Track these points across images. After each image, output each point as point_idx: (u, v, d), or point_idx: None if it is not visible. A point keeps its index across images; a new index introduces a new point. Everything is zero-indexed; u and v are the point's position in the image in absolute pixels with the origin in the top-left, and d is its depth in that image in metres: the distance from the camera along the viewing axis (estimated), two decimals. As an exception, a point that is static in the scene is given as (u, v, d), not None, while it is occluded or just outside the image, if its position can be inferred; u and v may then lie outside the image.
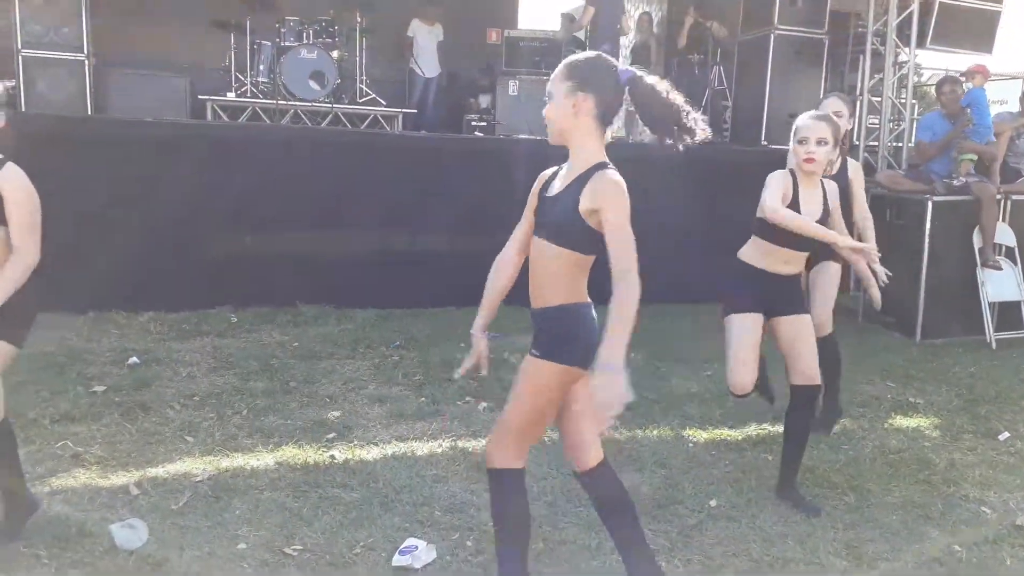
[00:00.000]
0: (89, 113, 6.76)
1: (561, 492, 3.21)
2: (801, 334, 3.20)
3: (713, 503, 3.19)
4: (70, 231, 4.94)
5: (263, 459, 3.40)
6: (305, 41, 7.77)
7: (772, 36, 7.53)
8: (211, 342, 5.07)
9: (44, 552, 2.61)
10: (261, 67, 7.80)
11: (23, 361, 4.38)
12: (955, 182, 5.98)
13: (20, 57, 6.68)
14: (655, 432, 3.93)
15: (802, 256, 3.27)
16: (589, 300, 2.22)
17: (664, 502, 3.18)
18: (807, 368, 3.19)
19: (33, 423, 3.65)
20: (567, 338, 2.17)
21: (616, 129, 8.64)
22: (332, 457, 3.46)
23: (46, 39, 6.76)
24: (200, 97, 7.41)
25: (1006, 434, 4.07)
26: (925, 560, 2.85)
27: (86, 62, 6.85)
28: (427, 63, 8.51)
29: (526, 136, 7.23)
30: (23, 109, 6.60)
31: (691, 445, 3.78)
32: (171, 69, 7.53)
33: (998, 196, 5.93)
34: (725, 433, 3.96)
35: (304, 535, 2.79)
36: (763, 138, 7.66)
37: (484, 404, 4.19)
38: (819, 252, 3.64)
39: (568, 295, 2.18)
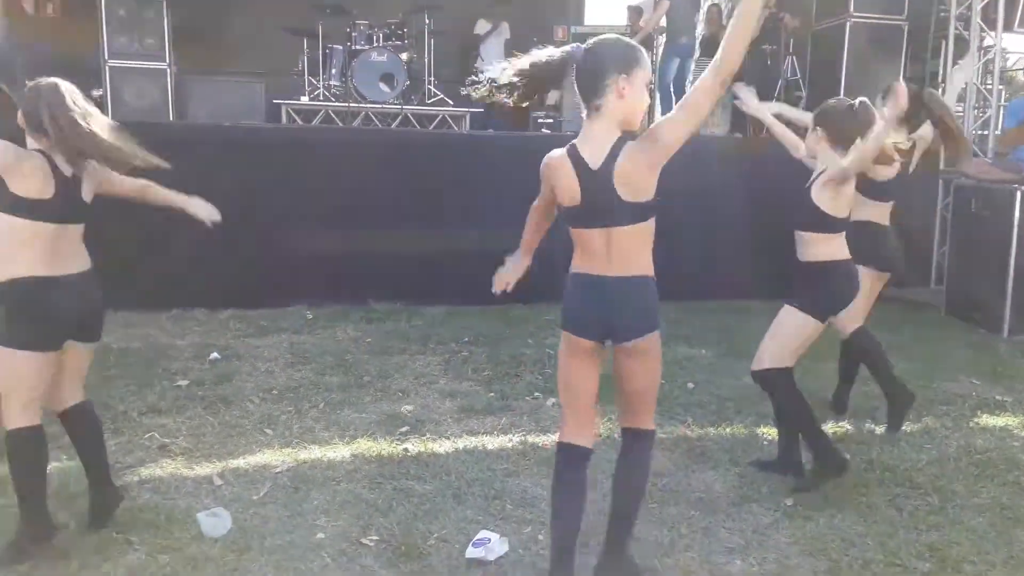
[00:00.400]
0: (171, 119, 7.05)
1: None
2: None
3: (789, 502, 3.12)
4: (156, 233, 5.18)
5: (339, 451, 3.50)
6: (375, 44, 7.91)
7: (848, 24, 7.30)
8: (288, 338, 5.22)
9: (135, 538, 2.73)
10: (333, 71, 7.98)
11: (113, 356, 4.66)
12: None
13: (107, 67, 7.02)
14: (728, 430, 3.86)
15: None
16: None
17: (738, 500, 3.13)
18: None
19: (123, 415, 3.83)
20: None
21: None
22: (405, 450, 3.53)
23: (131, 50, 7.09)
24: (275, 101, 7.62)
25: (1103, 435, 3.86)
26: (1014, 564, 2.73)
27: (168, 71, 7.16)
28: (494, 62, 8.55)
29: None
30: (110, 116, 6.93)
31: (766, 443, 3.70)
32: (247, 75, 7.78)
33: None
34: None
35: (380, 526, 2.85)
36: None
37: (553, 400, 4.20)
38: None
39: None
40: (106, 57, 7.01)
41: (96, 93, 7.19)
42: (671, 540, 2.81)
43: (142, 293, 5.44)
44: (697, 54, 8.57)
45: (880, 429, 3.90)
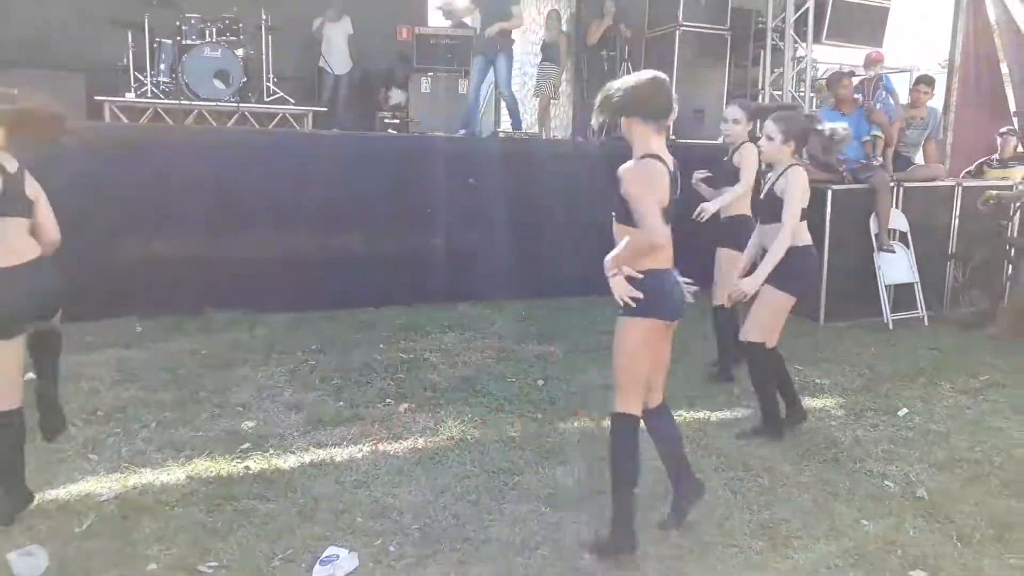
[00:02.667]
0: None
1: (485, 490, 3.19)
2: None
3: (635, 491, 3.22)
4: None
5: (174, 474, 3.27)
6: (208, 39, 7.50)
7: (677, 32, 7.72)
8: (115, 354, 4.84)
9: (-68, 588, 2.44)
10: (162, 66, 7.50)
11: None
12: (871, 163, 6.24)
13: None
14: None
15: None
16: None
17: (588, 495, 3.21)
18: None
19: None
20: None
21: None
22: (247, 468, 3.36)
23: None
24: (97, 98, 7.06)
25: (904, 410, 4.28)
26: (835, 534, 2.96)
27: (-33, 61, 6.45)
28: (337, 60, 8.33)
29: (442, 134, 7.20)
30: None
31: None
32: (64, 69, 7.14)
33: (891, 184, 6.23)
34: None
35: (219, 550, 2.69)
36: (671, 133, 7.83)
37: (405, 405, 4.14)
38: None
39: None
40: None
41: None
42: (522, 539, 2.82)
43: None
44: (539, 59, 8.76)
45: (714, 416, 4.13)
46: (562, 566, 2.70)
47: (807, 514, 3.11)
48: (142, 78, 7.45)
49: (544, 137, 8.49)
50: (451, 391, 4.40)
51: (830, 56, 9.49)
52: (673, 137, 7.79)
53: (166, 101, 7.28)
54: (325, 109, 8.12)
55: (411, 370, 4.75)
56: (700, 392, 4.47)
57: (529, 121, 9.34)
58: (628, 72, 8.46)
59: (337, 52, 8.37)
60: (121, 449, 3.50)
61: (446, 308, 6.20)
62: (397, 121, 8.04)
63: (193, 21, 7.57)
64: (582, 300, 6.24)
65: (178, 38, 7.48)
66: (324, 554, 2.62)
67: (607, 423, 2.81)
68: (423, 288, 6.41)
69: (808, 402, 4.38)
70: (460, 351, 5.17)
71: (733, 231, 4.46)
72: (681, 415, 4.12)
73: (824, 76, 8.31)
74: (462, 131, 7.23)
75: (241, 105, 7.40)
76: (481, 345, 5.32)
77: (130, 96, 7.33)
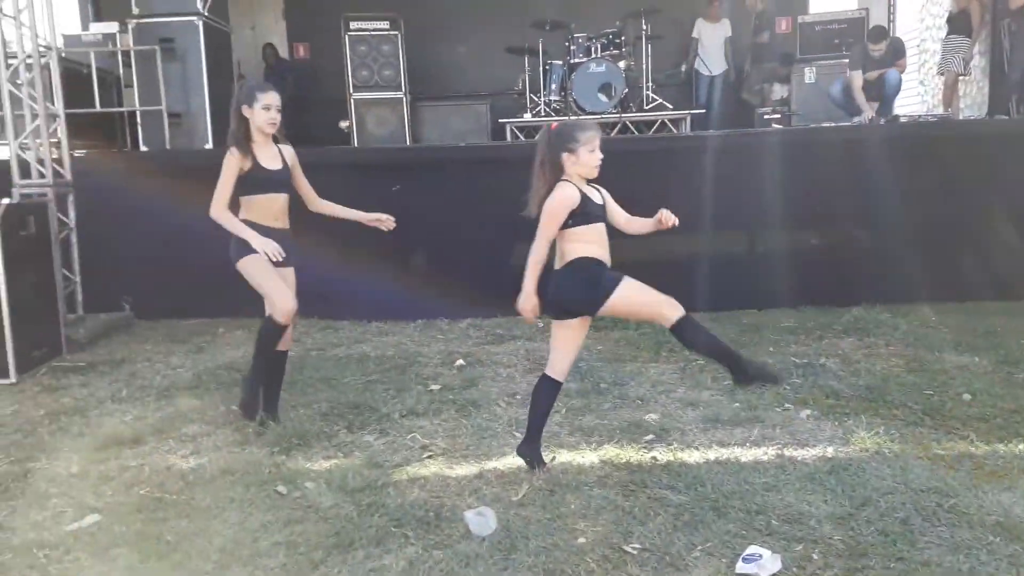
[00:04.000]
0: (407, 143, 7.56)
1: (915, 509, 2.90)
2: None
3: None
4: (403, 250, 5.59)
5: (587, 457, 3.51)
6: (593, 55, 7.99)
7: None
8: (523, 345, 5.37)
9: (411, 533, 2.90)
10: (553, 86, 8.18)
11: (374, 362, 5.05)
12: None
13: (352, 100, 7.69)
14: (1021, 446, 3.41)
15: None
16: None
17: (1046, 527, 2.74)
18: None
19: (386, 417, 4.12)
20: None
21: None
22: (654, 459, 3.47)
23: (372, 82, 7.72)
24: (500, 120, 7.94)
25: None
26: None
27: (404, 99, 7.70)
28: (713, 61, 8.33)
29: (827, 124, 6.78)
30: (355, 144, 7.58)
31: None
32: (473, 98, 8.18)
33: None
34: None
35: (640, 534, 2.81)
36: None
37: (807, 411, 3.95)
38: None
39: None
40: (351, 91, 7.67)
41: (344, 124, 7.91)
42: (970, 567, 2.51)
43: (390, 307, 5.91)
44: (945, 32, 7.79)
45: None
46: (1024, 604, 2.34)
47: None
48: (536, 99, 8.22)
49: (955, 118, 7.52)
50: (856, 400, 4.09)
51: None
52: None
53: (556, 118, 7.91)
54: (702, 111, 8.15)
55: (807, 375, 4.52)
56: None
57: (932, 102, 8.35)
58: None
59: (713, 53, 8.36)
60: (540, 430, 3.86)
61: (836, 311, 5.80)
62: (778, 116, 7.75)
63: (580, 40, 8.13)
64: (1002, 305, 5.41)
65: (567, 57, 8.09)
66: (746, 552, 2.59)
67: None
68: (808, 290, 6.07)
69: None
70: (860, 358, 4.79)
71: None
72: None
73: None
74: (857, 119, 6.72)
75: (622, 115, 7.75)
76: (885, 352, 4.87)
77: (527, 116, 8.12)
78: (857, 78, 6.98)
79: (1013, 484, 3.07)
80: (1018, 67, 7.01)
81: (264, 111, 3.69)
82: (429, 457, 3.59)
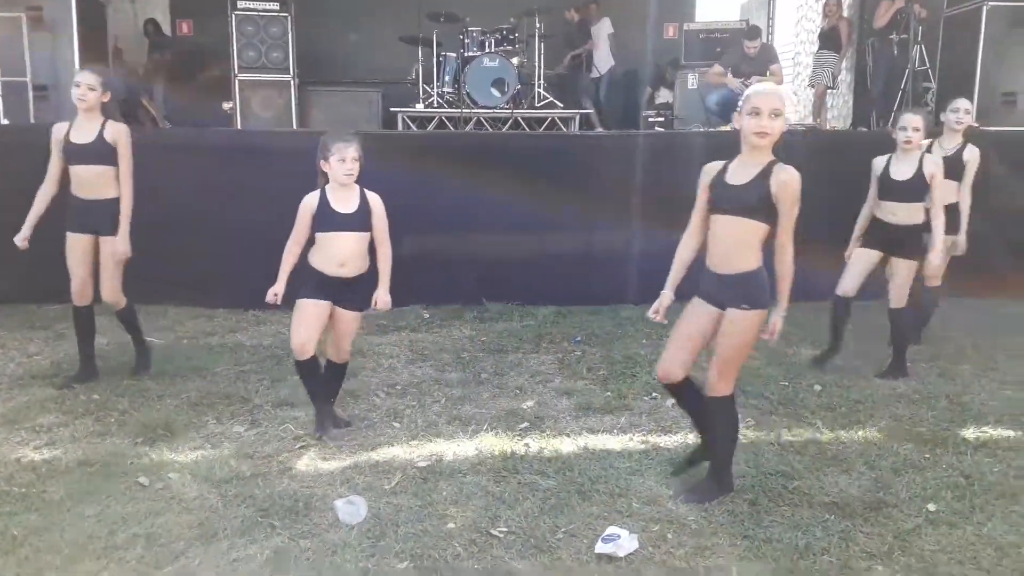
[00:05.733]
0: (295, 127, 7.39)
1: (762, 491, 3.10)
2: None
3: (932, 507, 2.96)
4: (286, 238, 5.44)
5: (463, 445, 3.57)
6: (488, 50, 8.05)
7: (985, 8, 6.87)
8: (407, 336, 5.37)
9: (278, 523, 2.87)
10: (446, 78, 8.18)
11: (248, 352, 4.92)
12: None
13: (237, 81, 7.45)
14: (861, 433, 3.70)
15: None
16: None
17: (875, 504, 2.99)
18: None
19: (259, 407, 4.04)
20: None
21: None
22: (527, 446, 3.56)
23: (258, 63, 7.49)
24: (391, 109, 7.88)
25: None
26: None
27: (292, 82, 7.52)
28: (599, 59, 8.53)
29: (705, 129, 7.09)
30: (239, 127, 7.36)
31: (903, 447, 3.53)
32: (365, 85, 8.08)
33: None
34: (941, 435, 3.67)
35: (507, 518, 2.89)
36: (974, 119, 7.00)
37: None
38: None
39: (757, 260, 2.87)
40: (236, 71, 7.43)
41: (227, 105, 7.65)
42: (806, 543, 2.71)
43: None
44: (816, 47, 8.30)
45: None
46: (848, 575, 2.55)
47: None
48: (429, 89, 8.20)
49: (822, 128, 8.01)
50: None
51: None
52: (977, 124, 6.97)
53: (449, 110, 7.93)
54: (591, 111, 8.35)
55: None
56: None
57: (803, 112, 8.88)
58: (921, 56, 7.75)
59: (599, 52, 8.57)
60: (418, 419, 3.89)
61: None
62: (662, 119, 8.04)
63: (475, 34, 8.17)
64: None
65: (461, 51, 8.11)
66: (605, 532, 2.70)
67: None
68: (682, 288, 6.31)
69: None
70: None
71: None
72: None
73: None
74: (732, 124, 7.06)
75: (514, 111, 7.84)
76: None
77: (419, 107, 8.09)
78: (732, 81, 7.29)
79: (851, 467, 3.33)
80: (879, 83, 7.55)
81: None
82: (302, 448, 3.56)
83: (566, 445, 3.58)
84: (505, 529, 2.81)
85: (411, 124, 7.90)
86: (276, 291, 3.55)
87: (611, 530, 2.71)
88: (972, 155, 4.85)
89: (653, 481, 3.21)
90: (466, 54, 8.06)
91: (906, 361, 4.56)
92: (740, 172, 2.86)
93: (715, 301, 2.93)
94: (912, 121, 4.36)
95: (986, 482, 3.18)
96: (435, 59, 8.14)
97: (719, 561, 2.61)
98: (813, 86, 8.39)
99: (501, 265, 6.20)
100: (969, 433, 3.69)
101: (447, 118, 7.88)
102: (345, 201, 3.51)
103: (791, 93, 9.85)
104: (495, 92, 7.84)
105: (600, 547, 2.64)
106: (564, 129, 8.06)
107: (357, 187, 3.55)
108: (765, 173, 2.79)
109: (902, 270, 4.44)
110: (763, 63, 7.43)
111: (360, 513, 2.90)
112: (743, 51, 7.37)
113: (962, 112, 4.90)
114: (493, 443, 3.58)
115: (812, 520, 2.88)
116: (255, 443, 3.61)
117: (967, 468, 3.31)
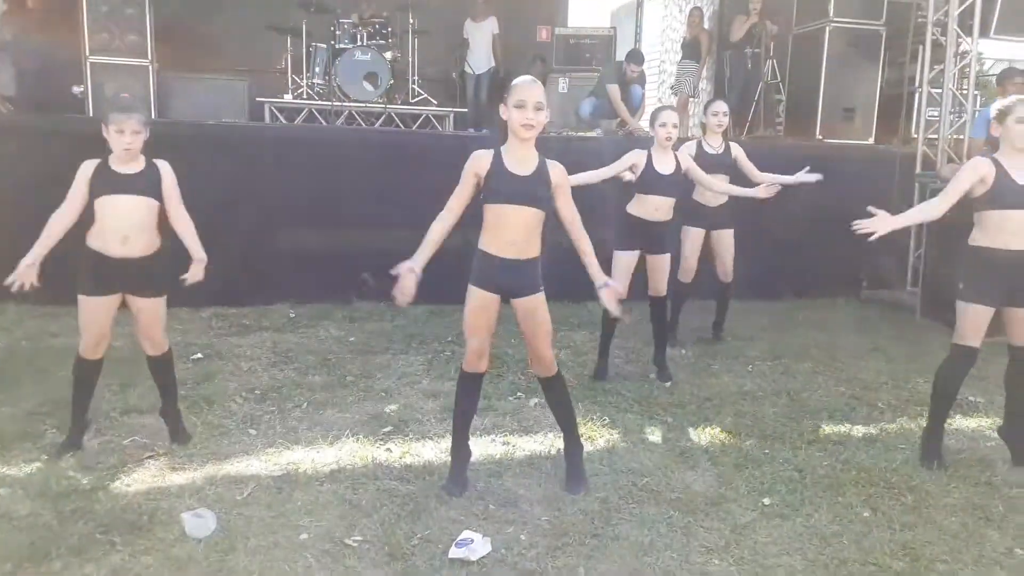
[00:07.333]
0: (153, 116, 7.00)
1: (614, 489, 3.23)
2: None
3: (766, 501, 3.18)
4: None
5: (323, 452, 3.51)
6: (359, 43, 7.90)
7: (827, 29, 7.40)
8: (270, 337, 5.23)
9: (118, 539, 2.73)
10: (317, 69, 7.97)
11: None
12: None
13: (88, 64, 6.97)
14: (708, 430, 3.92)
15: None
16: None
17: (716, 500, 3.18)
18: None
19: (105, 415, 3.82)
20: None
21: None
22: (389, 451, 3.55)
23: (112, 46, 7.04)
24: (258, 100, 7.60)
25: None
26: (985, 563, 2.80)
27: (150, 68, 7.11)
28: (478, 59, 8.55)
29: (572, 132, 7.26)
30: (90, 113, 6.89)
31: (745, 443, 3.77)
32: (230, 73, 7.75)
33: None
34: (780, 431, 3.94)
35: (363, 526, 2.87)
36: (817, 132, 7.54)
37: (536, 400, 4.24)
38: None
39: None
40: (87, 53, 6.95)
41: (77, 89, 7.15)
42: (651, 540, 2.85)
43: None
44: (680, 56, 8.65)
45: (857, 430, 3.98)
46: (690, 570, 2.70)
47: (955, 538, 2.95)
48: (298, 80, 7.96)
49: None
50: (580, 389, 4.45)
51: (998, 51, 8.80)
52: (820, 136, 7.51)
53: (319, 102, 7.73)
54: (466, 110, 8.36)
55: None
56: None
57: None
58: (772, 70, 8.25)
59: (479, 51, 8.59)
60: (276, 426, 3.79)
61: (573, 306, 6.23)
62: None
63: (346, 26, 8.00)
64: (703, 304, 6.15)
65: (332, 42, 7.92)
66: (459, 537, 2.74)
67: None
68: (550, 284, 6.45)
69: (960, 422, 4.15)
70: (589, 350, 5.21)
71: None
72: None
73: (991, 71, 7.73)
74: (598, 131, 7.27)
75: (388, 106, 7.75)
76: (611, 344, 5.33)
77: (288, 98, 7.84)
78: (615, 91, 7.48)
79: (696, 463, 3.52)
80: (735, 94, 7.98)
81: None
82: (150, 458, 3.40)
83: (428, 449, 3.59)
84: (360, 538, 2.79)
85: (279, 115, 7.66)
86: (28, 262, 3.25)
87: (465, 534, 2.75)
88: (739, 151, 5.25)
89: (512, 482, 3.27)
90: (337, 45, 7.88)
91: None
92: (519, 164, 3.01)
93: (502, 288, 3.12)
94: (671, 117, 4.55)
95: (816, 475, 3.44)
96: (304, 49, 7.91)
97: (568, 561, 2.70)
98: (676, 94, 8.76)
99: (374, 262, 6.11)
100: (805, 428, 3.99)
101: (318, 110, 7.68)
102: (127, 164, 3.33)
103: (656, 100, 10.23)
104: (368, 86, 7.71)
105: (453, 552, 2.67)
106: (439, 127, 8.04)
107: (143, 157, 3.38)
108: (542, 165, 3.03)
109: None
110: (639, 83, 7.63)
111: (209, 526, 2.81)
112: (624, 70, 7.45)
113: (721, 115, 5.23)
114: (354, 449, 3.55)
115: (658, 517, 3.02)
116: (99, 453, 3.42)
117: (800, 462, 3.57)
